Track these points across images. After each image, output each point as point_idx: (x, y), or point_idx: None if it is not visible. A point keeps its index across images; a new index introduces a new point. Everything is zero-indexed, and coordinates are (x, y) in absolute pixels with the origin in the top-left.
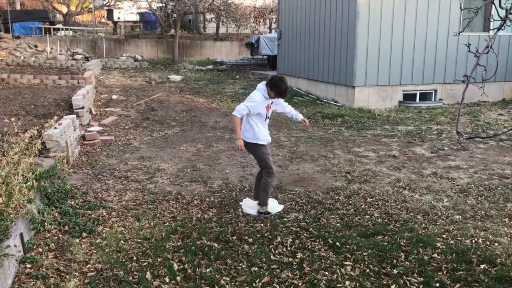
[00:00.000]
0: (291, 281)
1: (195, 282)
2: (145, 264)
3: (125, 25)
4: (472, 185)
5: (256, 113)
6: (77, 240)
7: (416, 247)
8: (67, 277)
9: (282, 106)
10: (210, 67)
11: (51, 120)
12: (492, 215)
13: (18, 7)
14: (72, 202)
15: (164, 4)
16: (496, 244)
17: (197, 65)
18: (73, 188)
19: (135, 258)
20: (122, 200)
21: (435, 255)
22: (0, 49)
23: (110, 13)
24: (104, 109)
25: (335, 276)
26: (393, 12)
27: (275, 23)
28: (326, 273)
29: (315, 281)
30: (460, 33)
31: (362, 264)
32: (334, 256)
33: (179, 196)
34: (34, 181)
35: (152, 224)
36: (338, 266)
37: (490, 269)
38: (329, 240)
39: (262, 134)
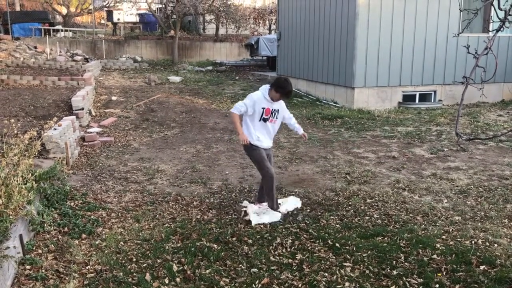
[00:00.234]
0: (290, 282)
1: (194, 283)
2: (144, 265)
3: (125, 26)
4: (472, 186)
5: (252, 112)
6: (76, 242)
7: (416, 248)
8: (67, 278)
9: (288, 116)
10: (210, 68)
11: (50, 121)
12: (491, 216)
13: (17, 8)
14: (72, 203)
15: (163, 5)
16: (496, 245)
17: (197, 66)
18: (72, 189)
19: (134, 259)
20: (122, 201)
21: (435, 256)
22: (0, 50)
23: (109, 14)
24: (104, 110)
25: (334, 277)
26: (392, 13)
27: (275, 24)
28: (326, 274)
29: (315, 282)
30: (460, 34)
31: (361, 265)
32: (334, 257)
33: (178, 197)
34: (34, 182)
35: (151, 225)
36: (338, 267)
37: (490, 270)
38: (329, 241)
39: (255, 136)
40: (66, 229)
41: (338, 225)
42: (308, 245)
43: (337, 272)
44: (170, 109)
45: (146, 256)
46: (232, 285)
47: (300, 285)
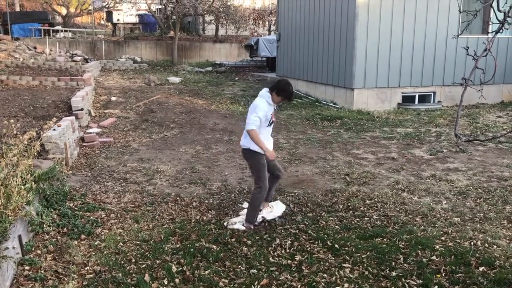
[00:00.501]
0: (289, 283)
1: (193, 284)
2: (143, 266)
3: (125, 27)
4: (471, 188)
5: (264, 121)
6: (75, 242)
7: (415, 249)
8: (66, 279)
9: None
10: (209, 69)
11: (50, 122)
12: (490, 218)
13: (17, 9)
14: (71, 204)
15: (163, 6)
16: (495, 246)
17: (196, 67)
18: (72, 190)
19: (133, 260)
20: (121, 202)
21: (434, 257)
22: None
23: (109, 15)
24: (103, 110)
25: (333, 278)
26: (392, 14)
27: (274, 25)
28: (325, 275)
29: (314, 283)
30: (459, 36)
31: (361, 266)
32: (333, 258)
33: (178, 198)
34: (33, 183)
35: (151, 226)
36: (337, 269)
37: (489, 272)
38: (328, 242)
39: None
40: (65, 229)
41: (337, 226)
42: (307, 246)
43: (336, 273)
44: (170, 110)
45: (145, 256)
46: (231, 286)
47: (299, 286)
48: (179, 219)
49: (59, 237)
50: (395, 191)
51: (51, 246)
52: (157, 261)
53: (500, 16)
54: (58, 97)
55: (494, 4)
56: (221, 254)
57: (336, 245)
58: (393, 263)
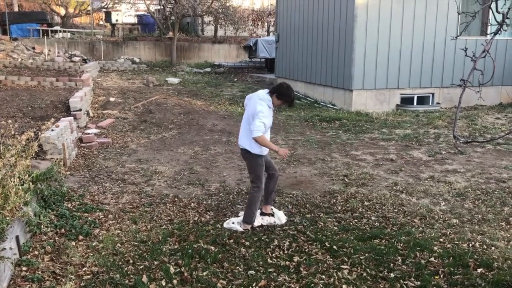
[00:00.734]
0: (288, 284)
1: (191, 285)
2: (141, 267)
3: (123, 27)
4: (469, 189)
5: (269, 126)
6: (73, 243)
7: (413, 250)
8: (63, 280)
9: None
10: (208, 69)
11: (48, 122)
12: (489, 219)
13: (16, 9)
14: (69, 205)
15: (162, 7)
16: (493, 248)
17: (195, 68)
18: (69, 191)
19: (131, 261)
20: (119, 203)
21: (432, 259)
22: None
23: (108, 15)
24: (102, 111)
25: (332, 279)
26: (391, 15)
27: (273, 26)
28: (323, 276)
29: (312, 284)
30: (458, 37)
31: (359, 268)
32: (331, 259)
33: (176, 199)
34: (31, 183)
35: (149, 227)
36: (335, 270)
37: (487, 273)
38: (326, 244)
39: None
40: (63, 230)
41: (335, 228)
42: (306, 247)
43: (335, 274)
44: (168, 111)
45: (143, 258)
46: (229, 287)
47: None
48: (177, 220)
49: (56, 238)
50: (394, 193)
51: (49, 247)
52: (155, 262)
53: (499, 17)
54: (57, 98)
55: (493, 6)
56: (219, 255)
57: (335, 246)
58: (392, 264)
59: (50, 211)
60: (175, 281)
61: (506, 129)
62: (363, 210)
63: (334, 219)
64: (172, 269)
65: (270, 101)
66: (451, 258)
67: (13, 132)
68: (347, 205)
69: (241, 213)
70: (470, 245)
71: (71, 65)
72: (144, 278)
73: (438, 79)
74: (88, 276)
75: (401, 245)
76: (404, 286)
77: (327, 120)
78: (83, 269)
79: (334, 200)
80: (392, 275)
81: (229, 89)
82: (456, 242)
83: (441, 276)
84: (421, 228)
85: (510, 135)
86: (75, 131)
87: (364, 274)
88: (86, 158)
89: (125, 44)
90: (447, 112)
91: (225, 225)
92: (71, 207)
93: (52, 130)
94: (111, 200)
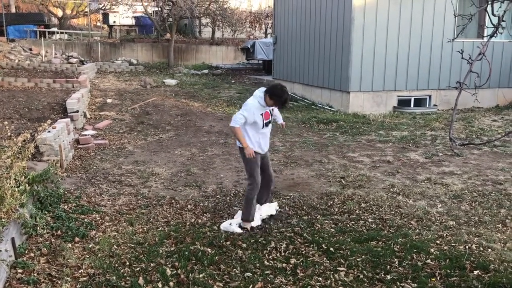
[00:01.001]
0: (284, 286)
1: None
2: (138, 269)
3: (121, 29)
4: (466, 191)
5: (252, 121)
6: (69, 245)
7: (410, 252)
8: (59, 282)
9: (278, 114)
10: (206, 71)
11: (45, 124)
12: (485, 221)
13: (13, 10)
14: (65, 207)
15: (159, 8)
16: (490, 250)
17: (193, 70)
18: (66, 192)
19: (128, 263)
20: (116, 205)
21: (429, 261)
22: None
23: (105, 17)
24: (99, 112)
25: (328, 281)
26: (388, 18)
27: (271, 28)
28: (320, 278)
29: (309, 286)
30: (454, 40)
31: (356, 270)
32: (328, 261)
33: (173, 201)
34: (27, 185)
35: (145, 229)
36: (332, 272)
37: (484, 275)
38: (323, 246)
39: (257, 143)
40: (59, 232)
41: (332, 229)
42: (303, 249)
43: (331, 276)
44: (166, 112)
45: (139, 260)
46: None
47: None
48: (174, 222)
49: (52, 240)
50: (391, 195)
51: (45, 249)
52: (152, 264)
53: (495, 20)
54: (54, 99)
55: (489, 8)
56: (216, 257)
57: (331, 248)
58: (388, 266)
59: (46, 212)
60: (171, 283)
61: (503, 131)
62: (360, 212)
63: (331, 221)
64: (168, 271)
65: (262, 98)
66: (447, 260)
67: (9, 134)
68: (344, 207)
69: (238, 214)
70: (467, 247)
71: (68, 66)
72: (141, 280)
73: (435, 81)
74: (84, 278)
75: (398, 247)
76: None
77: (324, 122)
78: (79, 271)
79: (331, 202)
80: (388, 277)
81: (226, 91)
82: (452, 244)
83: (438, 278)
84: (417, 230)
85: (507, 137)
86: (72, 132)
87: (361, 276)
88: (82, 159)
89: (122, 45)
90: (444, 114)
91: (222, 227)
92: (68, 209)
93: (49, 131)
94: (108, 202)
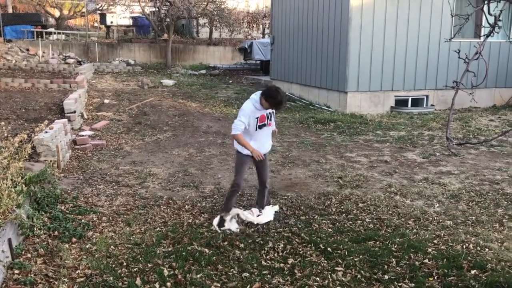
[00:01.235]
0: (282, 286)
1: None
2: (135, 269)
3: (118, 29)
4: (463, 191)
5: (248, 125)
6: (66, 246)
7: (407, 252)
8: (56, 283)
9: (272, 120)
10: (203, 71)
11: (42, 124)
12: (483, 221)
13: (10, 11)
14: (62, 207)
15: (157, 9)
16: (487, 249)
17: (190, 70)
18: (63, 193)
19: (125, 264)
20: (113, 205)
21: (426, 260)
22: None
23: (103, 17)
24: (96, 113)
25: (326, 281)
26: (385, 18)
27: (268, 28)
28: (318, 278)
29: (306, 286)
30: (452, 39)
31: (353, 270)
32: (326, 261)
33: (170, 201)
34: (24, 185)
35: (142, 229)
36: (330, 272)
37: (481, 275)
38: (321, 246)
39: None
40: (56, 233)
41: (330, 229)
42: (300, 249)
43: (329, 276)
44: (163, 113)
45: (137, 260)
46: None
47: None
48: (171, 222)
49: (49, 241)
50: (388, 194)
51: (42, 250)
52: (149, 265)
53: (491, 19)
54: (51, 100)
55: (485, 8)
56: (213, 258)
57: (329, 248)
58: (386, 266)
59: (43, 213)
60: (169, 284)
61: (500, 131)
62: (358, 212)
63: (328, 221)
64: (166, 272)
65: (257, 102)
66: (445, 260)
67: (6, 134)
68: (342, 207)
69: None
70: (464, 246)
71: (66, 67)
72: (138, 281)
73: (432, 81)
74: (82, 279)
75: (395, 246)
76: (398, 287)
77: (322, 122)
78: (76, 272)
79: (329, 202)
80: (386, 277)
81: (224, 91)
82: (450, 244)
83: (435, 277)
84: (415, 230)
85: (504, 137)
86: (69, 133)
87: (359, 276)
88: (80, 160)
89: (119, 46)
90: (441, 114)
91: (213, 223)
92: (65, 209)
93: (46, 132)
94: (105, 202)
